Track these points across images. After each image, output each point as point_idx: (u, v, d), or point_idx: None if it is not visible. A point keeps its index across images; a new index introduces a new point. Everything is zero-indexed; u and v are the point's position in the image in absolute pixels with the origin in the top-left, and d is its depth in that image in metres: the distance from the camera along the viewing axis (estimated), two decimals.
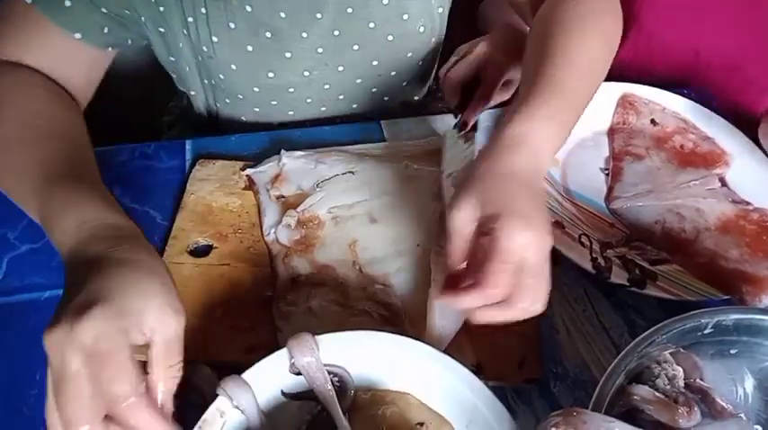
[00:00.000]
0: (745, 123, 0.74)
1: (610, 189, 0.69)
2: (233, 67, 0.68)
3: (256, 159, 0.67)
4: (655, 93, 0.77)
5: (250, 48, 0.66)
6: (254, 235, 0.62)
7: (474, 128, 0.65)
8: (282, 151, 0.67)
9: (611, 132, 0.74)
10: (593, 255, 0.60)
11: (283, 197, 0.64)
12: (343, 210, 0.63)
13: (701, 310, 0.48)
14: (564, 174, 0.70)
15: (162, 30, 0.64)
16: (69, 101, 0.59)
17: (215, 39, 0.64)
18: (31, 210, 0.48)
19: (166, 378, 0.40)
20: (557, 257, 0.61)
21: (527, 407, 0.52)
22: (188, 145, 0.70)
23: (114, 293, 0.38)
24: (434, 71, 0.83)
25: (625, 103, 0.75)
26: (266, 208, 0.63)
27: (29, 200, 0.48)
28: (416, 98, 0.85)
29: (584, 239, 0.62)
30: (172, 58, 0.68)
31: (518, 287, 0.43)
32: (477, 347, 0.54)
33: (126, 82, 0.92)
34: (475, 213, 0.45)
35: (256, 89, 0.71)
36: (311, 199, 0.63)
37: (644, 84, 0.77)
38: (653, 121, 0.74)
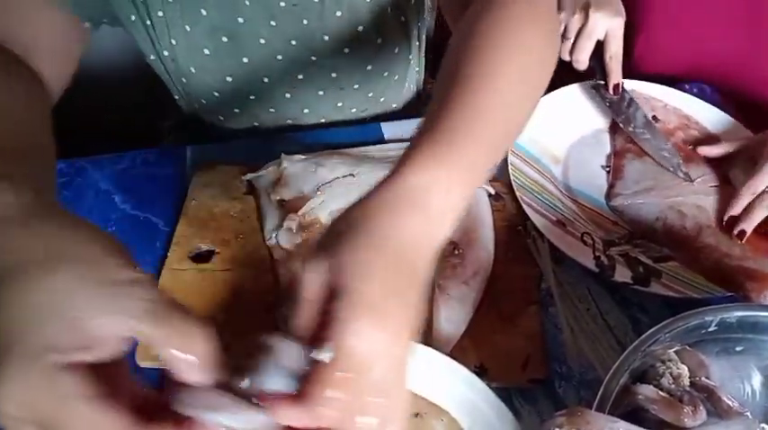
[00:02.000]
0: (748, 119, 0.74)
1: (611, 186, 0.68)
2: (192, 70, 0.67)
3: (257, 164, 0.67)
4: (656, 89, 0.76)
5: (207, 51, 0.66)
6: (255, 240, 0.62)
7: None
8: (283, 155, 0.67)
9: (613, 129, 0.74)
10: (597, 254, 0.60)
11: (284, 201, 0.64)
12: None
13: (705, 308, 0.48)
14: (565, 171, 0.70)
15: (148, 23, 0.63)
16: (37, 88, 0.53)
17: (173, 41, 0.64)
18: None
19: None
20: (560, 256, 0.61)
21: (532, 408, 0.52)
22: (189, 151, 0.71)
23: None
24: (419, 77, 0.80)
25: None
26: (267, 212, 0.63)
27: None
28: (395, 107, 0.80)
29: (586, 238, 0.62)
30: (152, 57, 0.68)
31: (360, 405, 0.33)
32: (480, 349, 0.54)
33: (125, 86, 0.92)
34: (327, 280, 0.35)
35: (216, 94, 0.70)
36: (312, 202, 0.63)
37: (646, 80, 0.77)
38: (654, 118, 0.74)
